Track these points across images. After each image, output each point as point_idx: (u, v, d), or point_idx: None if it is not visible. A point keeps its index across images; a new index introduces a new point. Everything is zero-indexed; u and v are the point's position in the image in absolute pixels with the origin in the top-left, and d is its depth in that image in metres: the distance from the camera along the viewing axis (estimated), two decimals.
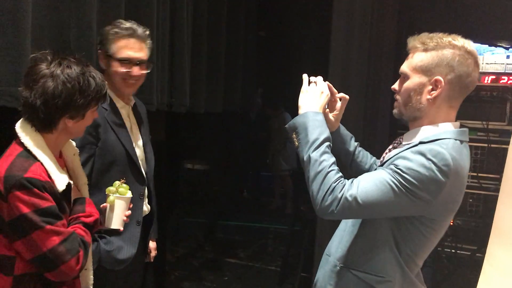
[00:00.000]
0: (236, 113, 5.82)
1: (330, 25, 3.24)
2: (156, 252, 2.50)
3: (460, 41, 1.54)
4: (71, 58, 1.60)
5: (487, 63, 4.28)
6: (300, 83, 1.76)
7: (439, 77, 1.51)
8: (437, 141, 1.48)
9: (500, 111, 3.54)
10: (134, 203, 1.96)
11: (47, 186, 1.49)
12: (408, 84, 1.56)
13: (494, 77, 4.37)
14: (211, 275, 4.51)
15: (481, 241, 2.32)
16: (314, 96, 1.65)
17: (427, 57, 1.52)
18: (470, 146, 1.64)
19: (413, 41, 1.57)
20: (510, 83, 3.88)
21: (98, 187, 1.96)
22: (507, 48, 3.94)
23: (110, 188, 1.80)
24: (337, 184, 1.46)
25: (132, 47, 2.07)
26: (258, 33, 6.31)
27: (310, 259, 3.50)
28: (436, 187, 1.43)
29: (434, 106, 1.54)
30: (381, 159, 1.73)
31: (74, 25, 2.23)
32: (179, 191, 6.11)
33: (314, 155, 1.50)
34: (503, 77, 3.84)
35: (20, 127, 1.57)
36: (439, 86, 1.52)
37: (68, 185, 1.59)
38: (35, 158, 1.52)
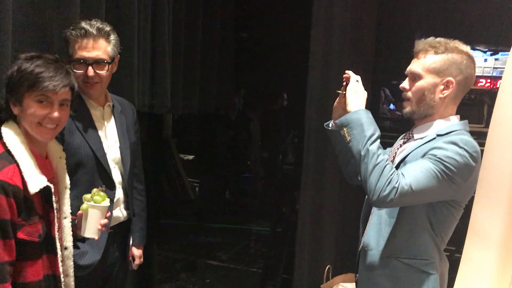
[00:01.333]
0: (216, 115, 5.83)
1: (310, 28, 3.27)
2: (141, 260, 2.47)
3: (463, 46, 1.75)
4: (49, 56, 1.60)
5: None
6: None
7: (451, 78, 1.71)
8: (456, 132, 1.70)
9: (478, 114, 3.61)
10: None
11: (15, 190, 1.48)
12: (422, 83, 1.73)
13: None
14: (192, 278, 4.49)
15: (459, 242, 2.37)
16: (360, 94, 1.77)
17: (439, 59, 1.71)
18: None
19: (423, 44, 1.74)
20: (488, 86, 3.97)
21: None
22: (484, 52, 4.03)
23: (86, 195, 1.77)
24: (393, 175, 1.60)
25: (85, 47, 2.00)
26: (240, 35, 6.34)
27: (291, 261, 3.52)
28: (468, 172, 1.65)
29: (444, 104, 1.74)
30: (393, 153, 1.87)
31: (57, 26, 2.20)
32: (160, 193, 6.07)
33: (372, 148, 1.63)
34: (480, 80, 3.92)
35: (3, 127, 1.58)
36: (451, 86, 1.72)
37: (47, 188, 1.58)
38: (13, 158, 1.52)
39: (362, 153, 1.64)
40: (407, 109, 1.78)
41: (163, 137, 6.23)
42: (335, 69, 3.18)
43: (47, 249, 1.64)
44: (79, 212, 1.76)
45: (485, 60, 3.95)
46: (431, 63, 1.72)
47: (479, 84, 3.87)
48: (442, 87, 1.72)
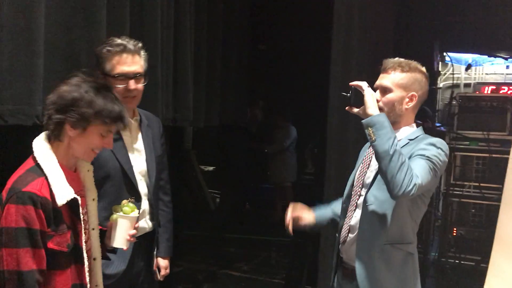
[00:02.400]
0: (235, 126, 5.88)
1: (330, 38, 3.30)
2: (167, 271, 2.49)
3: (421, 66, 2.09)
4: (99, 81, 1.67)
5: (487, 74, 4.33)
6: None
7: (414, 93, 2.04)
8: (422, 135, 2.05)
9: (501, 121, 3.59)
10: None
11: (43, 201, 1.53)
12: (392, 96, 2.04)
13: (494, 87, 4.42)
14: None
15: (485, 252, 2.34)
16: (375, 99, 1.99)
17: (406, 76, 2.03)
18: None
19: (392, 63, 2.07)
20: (510, 93, 3.93)
21: None
22: (506, 59, 4.00)
23: (115, 206, 1.81)
24: (413, 172, 1.85)
25: (124, 62, 2.06)
26: (258, 47, 6.40)
27: (314, 271, 3.51)
28: (444, 166, 1.98)
29: (407, 113, 2.07)
30: (367, 158, 2.17)
31: (85, 44, 2.27)
32: (181, 204, 6.11)
33: (398, 148, 1.86)
34: (503, 87, 3.89)
35: (35, 141, 1.64)
36: (414, 99, 2.05)
37: (74, 200, 1.63)
38: (42, 172, 1.58)
39: (391, 151, 1.84)
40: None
41: (184, 149, 6.31)
42: (355, 78, 3.18)
43: (75, 259, 1.69)
44: (109, 222, 1.80)
45: (507, 67, 3.93)
46: (400, 80, 2.04)
47: (501, 92, 3.85)
48: (407, 99, 2.04)
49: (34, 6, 1.99)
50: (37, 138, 1.64)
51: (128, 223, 1.80)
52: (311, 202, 2.47)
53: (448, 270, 4.42)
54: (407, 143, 2.05)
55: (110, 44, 2.07)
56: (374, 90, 2.05)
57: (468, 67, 5.41)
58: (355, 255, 2.10)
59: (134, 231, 1.84)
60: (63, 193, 1.59)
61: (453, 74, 4.73)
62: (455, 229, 4.61)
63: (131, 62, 2.08)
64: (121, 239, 1.79)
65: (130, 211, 1.80)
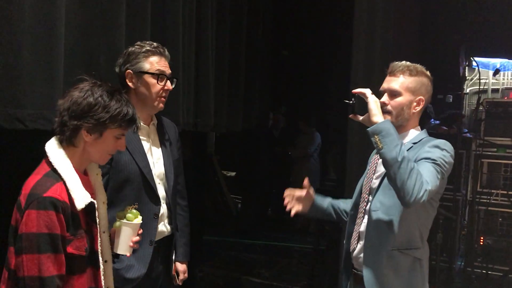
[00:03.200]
0: (258, 131, 5.87)
1: (351, 43, 3.26)
2: (186, 275, 2.49)
3: (426, 70, 2.09)
4: (109, 84, 1.68)
5: None
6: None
7: (422, 97, 2.05)
8: (426, 138, 2.04)
9: None
10: (148, 223, 1.98)
11: (63, 206, 1.55)
12: (401, 100, 2.04)
13: None
14: None
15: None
16: (379, 106, 1.96)
17: (414, 80, 2.03)
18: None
19: (401, 66, 2.05)
20: None
21: (113, 205, 1.99)
22: None
23: (119, 213, 1.82)
24: (423, 179, 1.82)
25: (163, 64, 2.17)
26: (281, 53, 6.39)
27: (335, 279, 3.46)
28: (450, 167, 1.96)
29: (413, 117, 2.08)
30: (374, 163, 2.17)
31: (104, 50, 2.30)
32: (202, 209, 6.12)
33: (407, 155, 1.83)
34: None
35: (49, 146, 1.65)
36: (421, 103, 2.06)
37: (91, 204, 1.64)
38: (59, 176, 1.59)
39: (399, 158, 1.80)
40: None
41: (206, 154, 6.32)
42: (377, 84, 3.15)
43: (91, 263, 1.70)
44: (112, 229, 1.82)
45: None
46: (408, 83, 2.03)
47: None
48: (415, 104, 2.05)
49: (54, 12, 2.02)
50: (49, 143, 1.65)
51: (131, 231, 1.80)
52: None
53: (474, 280, 4.31)
54: (411, 147, 2.03)
55: (149, 45, 2.15)
56: (381, 93, 2.04)
57: (496, 72, 5.29)
58: (363, 262, 2.08)
59: (137, 238, 1.84)
60: (81, 197, 1.61)
61: (479, 79, 4.62)
62: (482, 238, 4.50)
63: (167, 65, 2.19)
64: (124, 245, 1.79)
65: (134, 218, 1.81)
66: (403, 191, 1.80)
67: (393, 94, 2.04)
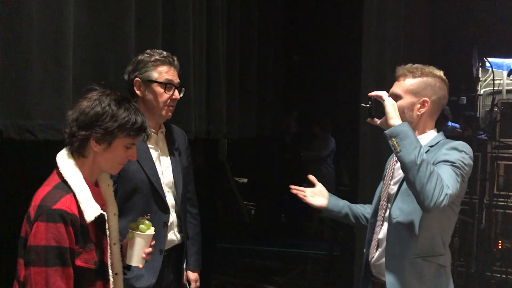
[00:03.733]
0: (270, 137, 5.85)
1: (361, 46, 3.23)
2: (197, 284, 2.46)
3: (437, 71, 2.02)
4: (117, 93, 1.67)
5: None
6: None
7: (426, 98, 1.98)
8: (443, 140, 1.98)
9: None
10: (157, 232, 1.95)
11: (73, 218, 1.53)
12: (401, 102, 1.98)
13: None
14: None
15: None
16: (397, 108, 1.93)
17: (416, 82, 1.98)
18: None
19: (402, 70, 2.03)
20: None
21: (122, 214, 1.96)
22: None
23: (132, 224, 1.80)
24: (443, 182, 1.78)
25: (172, 73, 2.16)
26: (292, 57, 6.38)
27: (350, 285, 3.41)
28: (470, 169, 1.91)
29: (422, 120, 2.01)
30: (391, 168, 2.11)
31: (114, 59, 2.30)
32: (215, 216, 6.11)
33: (426, 158, 1.79)
34: None
35: (59, 157, 1.64)
36: (426, 105, 1.99)
37: (101, 216, 1.63)
38: (69, 188, 1.57)
39: (418, 161, 1.76)
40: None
41: (218, 160, 6.32)
42: (388, 87, 3.12)
43: (100, 276, 1.67)
44: (125, 240, 1.80)
45: None
46: (409, 85, 1.99)
47: None
48: (419, 105, 1.99)
49: (63, 21, 2.02)
50: (60, 154, 1.64)
51: (144, 242, 1.78)
52: None
53: (494, 285, 4.22)
54: (427, 150, 1.98)
55: (159, 54, 2.15)
56: (373, 102, 2.01)
57: (510, 72, 5.20)
58: (385, 270, 2.02)
59: (150, 249, 1.82)
60: (91, 209, 1.59)
61: (494, 80, 4.55)
62: (500, 242, 4.41)
63: (175, 75, 2.18)
64: (137, 257, 1.77)
65: (146, 229, 1.78)
66: (422, 195, 1.76)
67: (395, 98, 2.00)
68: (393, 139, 1.83)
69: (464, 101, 5.53)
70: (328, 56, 6.21)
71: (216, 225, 5.85)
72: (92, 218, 1.59)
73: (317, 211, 2.31)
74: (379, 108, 1.95)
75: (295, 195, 2.33)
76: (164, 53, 2.16)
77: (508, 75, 5.25)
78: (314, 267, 5.50)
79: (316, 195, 2.27)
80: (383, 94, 1.94)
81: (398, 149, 1.81)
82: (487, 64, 4.95)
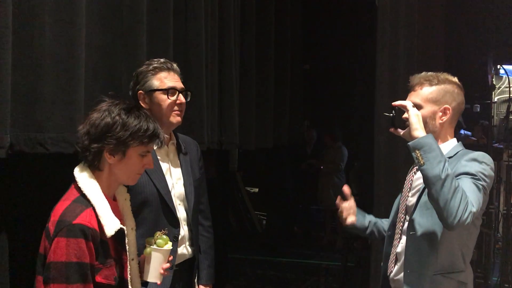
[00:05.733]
0: (282, 147, 5.82)
1: (375, 56, 3.19)
2: None
3: (452, 77, 1.98)
4: (127, 101, 1.64)
5: None
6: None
7: (447, 105, 1.92)
8: (461, 151, 1.93)
9: None
10: None
11: (93, 233, 1.50)
12: (423, 112, 1.91)
13: None
14: None
15: None
16: (421, 119, 1.87)
17: (435, 90, 1.92)
18: None
19: (418, 79, 1.96)
20: None
21: None
22: None
23: (149, 239, 1.76)
24: (467, 199, 1.72)
25: (172, 77, 2.10)
26: (303, 67, 6.36)
27: None
28: (491, 181, 1.85)
29: (444, 128, 1.95)
30: (409, 180, 2.05)
31: (125, 70, 2.28)
32: (227, 227, 6.07)
33: (450, 172, 1.73)
34: None
35: (77, 171, 1.61)
36: (448, 112, 1.93)
37: (121, 230, 1.59)
38: (89, 202, 1.54)
39: (442, 176, 1.70)
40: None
41: (229, 170, 6.29)
42: (403, 97, 3.08)
43: None
44: (142, 255, 1.76)
45: None
46: (429, 94, 1.92)
47: None
48: (440, 114, 1.93)
49: (75, 33, 2.01)
50: (77, 167, 1.61)
51: (162, 257, 1.74)
52: None
53: None
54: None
55: (156, 63, 2.10)
56: (397, 112, 1.95)
57: None
58: (404, 287, 1.96)
59: (167, 265, 1.78)
60: (111, 224, 1.56)
61: (509, 87, 4.48)
62: None
63: (177, 79, 2.13)
64: (155, 272, 1.73)
65: (164, 244, 1.74)
66: (446, 212, 1.70)
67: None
68: (417, 152, 1.77)
69: (478, 109, 5.46)
70: (339, 65, 6.20)
71: (227, 236, 5.81)
72: (113, 233, 1.55)
73: (343, 226, 2.25)
74: (402, 119, 1.90)
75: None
76: (162, 60, 2.11)
77: None
78: (328, 278, 5.41)
79: (347, 211, 2.19)
80: (408, 104, 1.88)
81: (422, 162, 1.75)
82: (501, 71, 4.89)
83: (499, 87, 6.18)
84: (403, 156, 3.02)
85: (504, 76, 5.51)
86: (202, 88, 2.86)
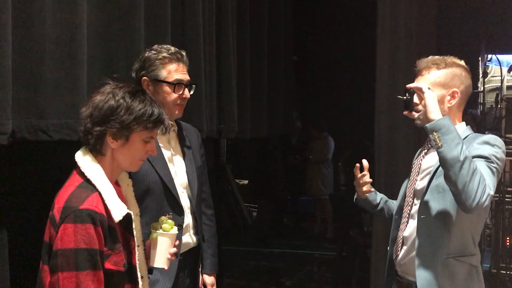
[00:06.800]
0: (271, 138, 5.79)
1: (375, 45, 3.18)
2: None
3: (459, 60, 1.96)
4: (131, 85, 1.59)
5: None
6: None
7: (456, 89, 1.91)
8: (471, 135, 1.91)
9: None
10: None
11: (101, 218, 1.45)
12: None
13: None
14: None
15: None
16: (437, 102, 1.84)
17: (443, 73, 1.90)
18: None
19: (425, 63, 1.95)
20: None
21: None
22: None
23: (154, 224, 1.72)
24: (485, 181, 1.71)
25: (181, 70, 2.06)
26: (292, 58, 6.35)
27: (364, 285, 3.35)
28: (502, 164, 1.83)
29: (452, 112, 1.92)
30: (417, 165, 2.04)
31: (123, 55, 2.22)
32: (219, 219, 6.03)
33: (468, 154, 1.71)
34: None
35: (79, 156, 1.55)
36: (456, 96, 1.92)
37: (128, 215, 1.55)
38: (94, 187, 1.49)
39: (461, 158, 1.68)
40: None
41: (218, 162, 6.25)
42: (402, 85, 3.08)
43: (129, 279, 1.59)
44: (148, 241, 1.72)
45: None
46: (436, 78, 1.91)
47: None
48: (449, 97, 1.92)
49: (77, 16, 1.94)
50: (78, 153, 1.55)
51: (169, 241, 1.70)
52: (355, 213, 2.38)
53: (508, 282, 4.19)
54: None
55: (166, 52, 2.04)
56: (412, 94, 1.93)
57: (511, 68, 5.18)
58: (416, 271, 1.94)
59: (174, 249, 1.74)
60: (119, 208, 1.51)
61: (501, 76, 4.52)
62: (508, 238, 4.38)
63: (185, 71, 2.09)
64: (162, 258, 1.69)
65: (170, 228, 1.70)
66: (465, 194, 1.69)
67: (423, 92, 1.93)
68: (435, 134, 1.75)
69: None
70: (338, 55, 6.18)
71: (218, 227, 5.77)
72: (121, 218, 1.51)
73: (357, 201, 2.27)
74: (411, 101, 1.89)
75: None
76: (172, 49, 2.06)
77: (509, 71, 5.24)
78: (321, 268, 5.45)
79: (364, 180, 2.20)
80: (423, 86, 1.86)
81: (440, 145, 1.73)
82: (489, 61, 4.92)
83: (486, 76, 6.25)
84: (403, 145, 3.02)
85: (491, 65, 5.57)
86: (201, 75, 2.81)
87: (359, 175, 2.18)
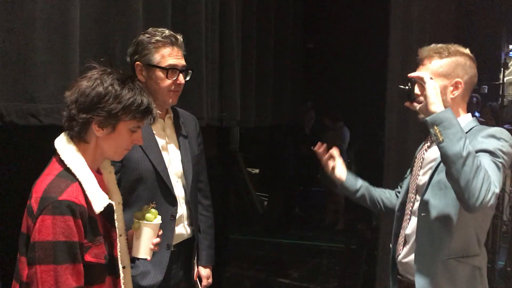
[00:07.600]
0: (284, 127, 5.70)
1: (388, 34, 3.06)
2: (209, 281, 2.33)
3: (463, 49, 1.86)
4: (120, 71, 1.52)
5: None
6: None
7: (459, 79, 1.82)
8: (476, 127, 1.82)
9: None
10: (164, 225, 1.82)
11: (81, 210, 1.40)
12: None
13: None
14: None
15: None
16: (439, 93, 1.74)
17: (445, 63, 1.81)
18: None
19: (427, 51, 1.85)
20: None
21: (127, 206, 1.81)
22: None
23: (137, 213, 1.67)
24: (490, 178, 1.61)
25: (176, 55, 1.98)
26: (306, 46, 6.22)
27: (370, 280, 3.27)
28: (509, 159, 1.72)
29: (455, 103, 1.84)
30: (419, 158, 1.94)
31: (119, 39, 2.16)
32: (228, 208, 6.01)
33: (472, 150, 1.61)
34: None
35: (58, 142, 1.49)
36: (459, 86, 1.83)
37: (109, 206, 1.50)
38: (74, 177, 1.44)
39: (464, 154, 1.59)
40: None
41: (230, 150, 6.20)
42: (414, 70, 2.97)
43: (110, 271, 1.54)
44: (130, 231, 1.67)
45: None
46: (438, 67, 1.82)
47: None
48: (451, 88, 1.83)
49: None
50: (58, 139, 1.50)
51: (152, 232, 1.65)
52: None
53: None
54: None
55: (159, 35, 1.96)
56: (413, 84, 1.83)
57: None
58: (415, 272, 1.87)
59: (158, 240, 1.68)
60: (100, 199, 1.46)
61: None
62: None
63: (180, 56, 2.00)
64: (144, 248, 1.64)
65: (153, 218, 1.65)
66: (468, 193, 1.59)
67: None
68: (436, 128, 1.65)
69: (486, 90, 5.32)
70: (342, 44, 6.05)
71: (228, 216, 5.74)
72: (101, 209, 1.45)
73: (333, 186, 2.19)
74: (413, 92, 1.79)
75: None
76: (166, 31, 1.97)
77: None
78: (329, 260, 5.38)
79: (337, 167, 2.13)
80: (425, 75, 1.74)
81: (441, 139, 1.63)
82: (511, 51, 4.76)
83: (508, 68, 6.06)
84: (413, 137, 2.91)
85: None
86: (202, 61, 2.73)
87: (324, 158, 2.12)
